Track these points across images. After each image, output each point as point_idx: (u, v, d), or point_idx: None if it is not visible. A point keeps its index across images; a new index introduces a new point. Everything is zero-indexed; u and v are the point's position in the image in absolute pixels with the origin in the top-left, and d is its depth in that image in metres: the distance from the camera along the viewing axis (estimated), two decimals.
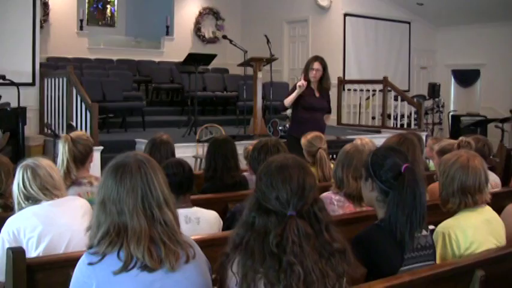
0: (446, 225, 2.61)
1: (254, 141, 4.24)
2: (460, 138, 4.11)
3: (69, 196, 2.87)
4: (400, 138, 3.36)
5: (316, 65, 5.86)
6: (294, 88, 5.91)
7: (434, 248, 2.40)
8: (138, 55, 13.14)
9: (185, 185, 3.04)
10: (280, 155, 1.96)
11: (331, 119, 11.64)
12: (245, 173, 4.16)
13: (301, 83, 5.80)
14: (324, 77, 5.93)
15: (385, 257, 2.19)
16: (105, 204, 1.84)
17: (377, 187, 2.33)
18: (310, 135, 4.38)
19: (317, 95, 5.96)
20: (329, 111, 6.23)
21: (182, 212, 2.86)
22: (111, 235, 1.80)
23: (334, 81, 11.33)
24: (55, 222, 2.63)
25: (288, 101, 5.88)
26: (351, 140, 4.27)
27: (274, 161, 1.90)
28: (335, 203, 3.18)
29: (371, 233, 2.25)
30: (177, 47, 13.31)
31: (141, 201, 1.83)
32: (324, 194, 3.21)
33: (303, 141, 4.38)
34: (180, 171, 3.05)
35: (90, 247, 1.84)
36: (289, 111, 7.41)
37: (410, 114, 10.74)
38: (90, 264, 1.80)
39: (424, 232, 2.31)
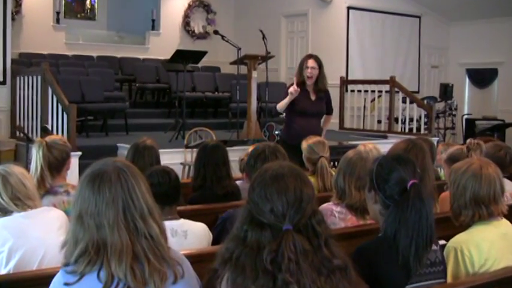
0: (459, 240, 2.61)
1: (249, 148, 4.24)
2: (468, 140, 4.12)
3: (43, 207, 2.86)
4: (408, 144, 3.37)
5: (311, 63, 5.82)
6: (288, 91, 5.87)
7: (445, 265, 2.40)
8: (121, 51, 13.15)
9: (171, 195, 3.05)
10: (275, 163, 1.96)
11: (333, 123, 11.73)
12: (239, 182, 4.17)
13: (293, 88, 5.73)
14: (320, 77, 5.89)
15: (389, 272, 2.19)
16: (83, 218, 1.82)
17: (380, 200, 2.34)
18: (312, 140, 4.38)
19: (313, 97, 5.92)
20: (329, 112, 6.19)
21: (168, 225, 2.84)
22: (89, 253, 1.79)
23: (336, 81, 11.38)
24: (27, 236, 2.62)
25: (281, 106, 5.86)
26: (354, 146, 4.28)
27: (269, 169, 1.90)
28: (336, 215, 3.19)
29: (374, 245, 2.25)
30: (164, 43, 13.33)
31: (122, 213, 1.83)
32: (324, 206, 3.22)
33: (304, 145, 4.38)
34: (166, 180, 3.06)
35: (66, 265, 1.83)
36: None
37: (420, 117, 10.76)
38: (66, 284, 1.79)
39: (433, 247, 2.31)
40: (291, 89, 5.75)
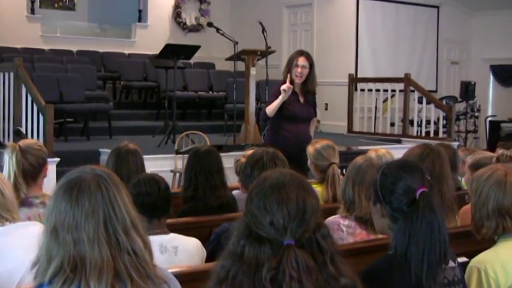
0: (483, 259, 2.59)
1: (247, 152, 4.24)
2: (500, 151, 4.10)
3: (22, 222, 2.80)
4: (423, 149, 3.37)
5: (302, 61, 5.71)
6: (276, 92, 5.72)
7: (465, 284, 2.40)
8: (104, 46, 13.16)
9: (160, 207, 3.05)
10: (275, 171, 1.97)
11: (341, 126, 11.78)
12: (235, 191, 4.18)
13: (287, 85, 5.61)
14: (310, 77, 5.78)
15: None
16: (58, 232, 1.81)
17: (388, 213, 2.33)
18: (320, 144, 4.39)
19: (301, 100, 5.84)
20: (315, 115, 6.09)
21: (156, 240, 2.87)
22: (65, 271, 1.78)
23: (344, 79, 11.41)
24: (5, 255, 2.56)
25: (271, 109, 5.67)
26: (364, 152, 4.28)
27: (268, 177, 1.91)
28: (344, 229, 3.19)
29: (384, 264, 2.25)
30: (152, 37, 13.34)
31: (103, 226, 1.82)
32: (330, 219, 3.22)
33: (311, 150, 4.38)
34: (155, 189, 3.07)
35: (40, 285, 1.82)
36: None
37: (438, 119, 10.78)
38: None
39: (451, 263, 2.31)
40: (283, 86, 5.60)
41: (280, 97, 5.64)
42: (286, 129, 5.76)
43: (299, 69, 5.71)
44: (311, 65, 5.78)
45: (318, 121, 11.48)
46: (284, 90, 5.62)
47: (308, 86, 5.82)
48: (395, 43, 12.58)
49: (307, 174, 4.58)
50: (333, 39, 12.10)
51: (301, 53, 5.85)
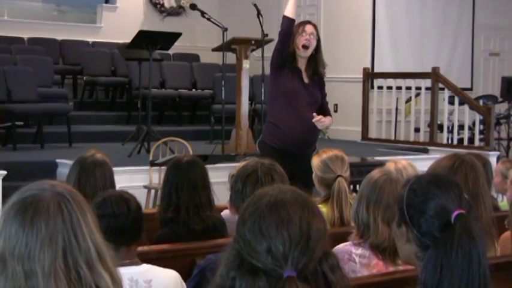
0: None
1: (241, 164, 4.25)
2: None
3: None
4: (454, 161, 3.37)
5: (310, 28, 5.76)
6: None
7: None
8: (62, 32, 13.14)
9: (130, 232, 3.05)
10: (273, 187, 1.98)
11: (354, 132, 11.76)
12: (225, 212, 4.18)
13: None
14: (318, 55, 5.83)
15: None
16: (6, 263, 1.80)
17: (415, 239, 2.33)
18: (327, 154, 4.39)
19: (306, 80, 5.85)
20: (328, 111, 6.05)
21: (125, 273, 2.85)
22: None
23: (357, 74, 11.43)
24: None
25: (289, 10, 5.73)
26: (383, 164, 4.28)
27: (265, 195, 1.91)
28: (356, 259, 3.19)
29: None
30: (122, 21, 13.33)
31: (62, 257, 1.81)
32: (340, 247, 3.22)
33: (316, 161, 4.39)
34: (124, 210, 3.07)
35: None
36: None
37: (474, 124, 10.80)
38: None
39: None
40: None
41: None
42: (287, 115, 5.73)
43: (306, 37, 5.72)
44: (318, 39, 5.81)
45: None
46: None
47: (317, 64, 5.83)
48: (420, 31, 12.59)
49: (312, 189, 4.59)
50: (345, 25, 12.11)
51: (307, 22, 5.91)
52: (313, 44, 5.74)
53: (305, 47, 5.74)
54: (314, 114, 5.70)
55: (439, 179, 2.39)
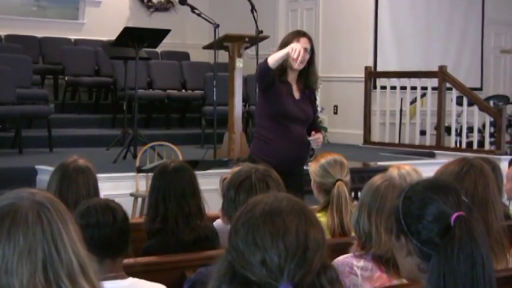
0: None
1: (234, 170, 4.25)
2: None
3: None
4: (462, 166, 3.37)
5: (305, 42, 5.67)
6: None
7: None
8: (42, 29, 13.12)
9: (116, 243, 3.06)
10: (268, 195, 1.98)
11: (355, 135, 11.76)
12: (216, 222, 4.19)
13: (297, 47, 5.43)
14: (311, 67, 5.77)
15: None
16: None
17: (416, 249, 2.33)
18: (325, 158, 4.40)
19: (297, 95, 5.85)
20: (317, 125, 6.02)
21: (110, 287, 2.86)
22: None
23: (359, 74, 11.44)
24: None
25: (275, 59, 5.49)
26: (386, 169, 4.29)
27: (259, 203, 1.92)
28: (358, 272, 3.19)
29: None
30: (107, 17, 13.34)
31: (42, 270, 1.81)
32: (341, 259, 3.22)
33: (313, 167, 4.40)
34: (109, 219, 3.07)
35: None
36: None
37: (484, 126, 10.81)
38: None
39: None
40: (292, 46, 5.45)
41: (285, 49, 5.48)
42: (277, 133, 5.71)
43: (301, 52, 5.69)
44: (312, 51, 5.78)
45: (325, 128, 11.51)
46: (293, 50, 5.42)
47: (308, 78, 5.78)
48: (426, 26, 12.62)
49: (304, 197, 4.59)
50: (345, 20, 12.13)
51: (302, 33, 5.83)
52: (306, 58, 5.71)
53: (297, 63, 5.67)
54: (313, 133, 5.68)
55: (435, 184, 2.41)
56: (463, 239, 2.20)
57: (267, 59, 5.57)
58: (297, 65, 5.64)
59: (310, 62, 5.75)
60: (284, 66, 5.64)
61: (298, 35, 5.73)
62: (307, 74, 5.77)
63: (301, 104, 5.75)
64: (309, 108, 5.84)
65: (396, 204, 2.38)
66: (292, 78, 5.75)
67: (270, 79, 5.61)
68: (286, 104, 5.68)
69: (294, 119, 5.71)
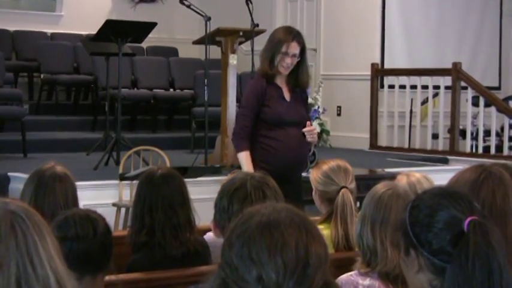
0: None
1: (229, 176, 4.26)
2: None
3: None
4: (479, 173, 3.36)
5: (294, 48, 5.74)
6: (253, 95, 5.81)
7: None
8: (16, 22, 13.11)
9: (96, 258, 3.06)
10: (266, 205, 1.98)
11: (361, 139, 11.75)
12: (208, 235, 4.19)
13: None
14: (301, 67, 5.83)
15: None
16: None
17: (427, 264, 2.33)
18: (328, 164, 4.40)
19: (287, 97, 5.91)
20: (309, 118, 6.10)
21: None
22: None
23: (365, 71, 11.46)
24: None
25: (240, 159, 5.86)
26: (394, 176, 4.30)
27: (255, 214, 1.92)
28: None
29: None
30: (86, 9, 13.33)
31: (15, 286, 1.82)
32: (345, 277, 3.23)
33: (315, 175, 4.40)
34: (89, 232, 3.08)
35: None
36: None
37: (502, 129, 10.82)
38: None
39: None
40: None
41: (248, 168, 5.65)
42: (274, 138, 5.78)
43: (288, 60, 5.74)
44: (303, 51, 5.82)
45: (327, 132, 11.52)
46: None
47: (299, 78, 5.85)
48: (439, 19, 12.63)
49: (303, 207, 4.60)
50: (349, 13, 12.14)
51: (292, 35, 5.85)
52: (294, 63, 5.78)
53: (284, 69, 5.77)
54: (308, 123, 5.74)
55: (444, 190, 2.41)
56: (478, 245, 2.19)
57: (240, 135, 5.88)
58: (285, 71, 5.78)
59: (301, 62, 5.80)
60: (272, 72, 5.71)
61: (287, 36, 5.78)
62: (297, 74, 5.83)
63: (293, 106, 5.86)
64: (301, 109, 5.96)
65: (403, 217, 2.37)
66: (281, 80, 5.86)
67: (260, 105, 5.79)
68: (279, 109, 5.78)
69: (288, 123, 5.78)
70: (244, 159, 5.76)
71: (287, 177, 5.46)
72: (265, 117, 5.78)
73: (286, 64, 5.73)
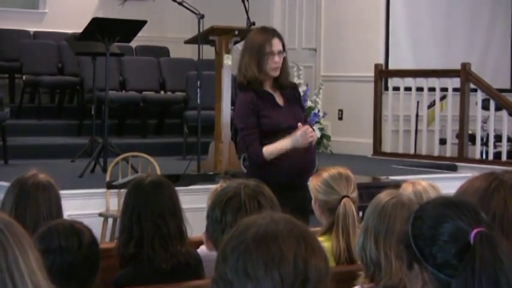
0: None
1: (222, 184, 4.23)
2: None
3: None
4: (490, 181, 3.37)
5: (277, 44, 5.76)
6: (246, 111, 5.78)
7: None
8: None
9: (81, 272, 3.06)
10: (263, 215, 1.98)
11: (363, 144, 11.75)
12: (201, 249, 4.19)
13: (305, 135, 5.62)
14: (283, 68, 5.84)
15: None
16: None
17: (432, 279, 2.33)
18: (328, 172, 4.41)
19: (281, 102, 5.92)
20: (305, 118, 6.17)
21: None
22: None
23: (368, 72, 11.46)
24: None
25: (273, 153, 5.67)
26: (399, 184, 4.30)
27: (251, 225, 1.92)
28: None
29: None
30: (71, 6, 13.35)
31: None
32: None
33: (314, 183, 4.41)
34: (73, 244, 3.07)
35: None
36: None
37: None
38: None
39: None
40: (310, 136, 5.65)
41: (292, 140, 5.60)
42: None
43: (277, 58, 5.75)
44: (283, 46, 5.86)
45: (328, 137, 11.52)
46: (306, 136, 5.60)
47: (282, 80, 5.88)
48: (447, 18, 12.64)
49: (309, 218, 4.60)
50: (351, 10, 12.15)
51: (270, 32, 5.88)
52: (281, 60, 5.81)
53: (275, 70, 5.79)
54: (299, 124, 5.73)
55: (448, 200, 2.40)
56: (485, 258, 2.18)
57: (258, 150, 5.69)
58: (275, 73, 5.79)
59: (283, 60, 5.84)
60: (261, 78, 5.73)
61: (267, 35, 5.81)
62: (280, 76, 5.84)
63: (289, 110, 5.86)
64: (298, 111, 5.98)
65: (405, 230, 2.37)
66: (270, 86, 5.84)
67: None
68: (276, 117, 5.80)
69: (289, 129, 5.77)
70: (270, 146, 5.67)
71: (297, 183, 5.48)
72: (265, 129, 5.77)
73: (275, 64, 5.73)
